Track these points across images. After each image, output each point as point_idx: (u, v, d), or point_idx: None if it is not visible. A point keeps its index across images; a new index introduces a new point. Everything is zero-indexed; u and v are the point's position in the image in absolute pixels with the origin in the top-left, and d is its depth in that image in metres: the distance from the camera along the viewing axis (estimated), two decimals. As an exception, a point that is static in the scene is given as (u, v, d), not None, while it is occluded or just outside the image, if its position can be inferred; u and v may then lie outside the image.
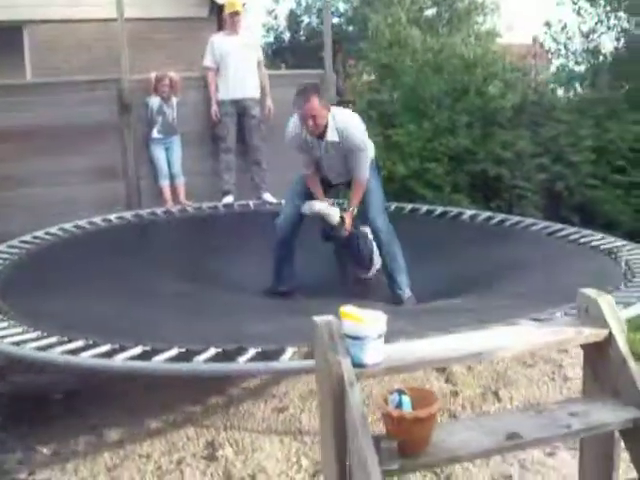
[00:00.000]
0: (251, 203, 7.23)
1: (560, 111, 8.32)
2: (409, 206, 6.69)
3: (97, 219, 6.37)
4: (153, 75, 7.11)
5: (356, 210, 4.90)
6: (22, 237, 5.57)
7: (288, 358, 3.00)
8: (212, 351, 3.12)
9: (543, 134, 8.08)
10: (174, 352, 3.13)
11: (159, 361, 3.03)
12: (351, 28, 17.06)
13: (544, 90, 8.70)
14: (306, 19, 18.26)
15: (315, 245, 5.15)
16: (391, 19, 14.83)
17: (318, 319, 2.31)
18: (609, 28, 10.13)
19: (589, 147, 8.11)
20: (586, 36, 9.93)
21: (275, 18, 18.32)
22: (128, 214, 6.68)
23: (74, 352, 3.19)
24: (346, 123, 4.74)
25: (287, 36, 18.98)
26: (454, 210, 6.40)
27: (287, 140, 4.94)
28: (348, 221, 4.84)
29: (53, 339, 3.39)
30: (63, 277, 4.51)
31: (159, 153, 7.13)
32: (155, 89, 7.09)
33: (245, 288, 5.05)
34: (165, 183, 7.13)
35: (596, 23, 10.21)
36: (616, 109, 8.75)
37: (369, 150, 4.90)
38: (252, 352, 3.08)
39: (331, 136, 4.68)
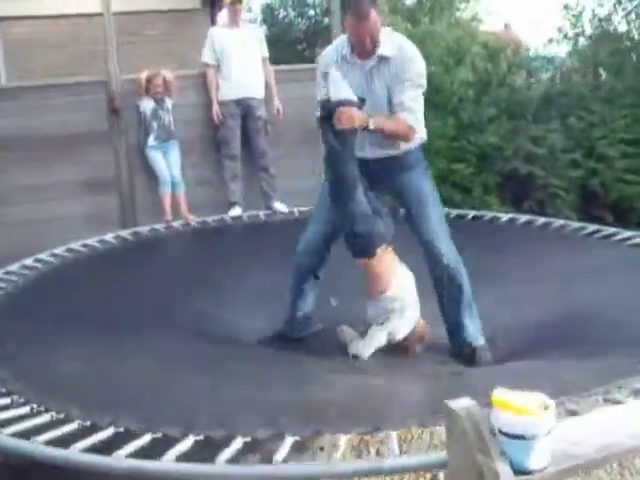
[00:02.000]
0: (261, 214, 6.60)
1: (589, 100, 7.70)
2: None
3: (92, 240, 5.66)
4: (144, 75, 6.41)
5: (372, 123, 3.43)
6: (4, 267, 4.84)
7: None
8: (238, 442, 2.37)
9: (574, 127, 7.46)
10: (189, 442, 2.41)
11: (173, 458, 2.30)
12: (327, 20, 16.52)
13: (569, 78, 8.09)
14: (283, 11, 17.68)
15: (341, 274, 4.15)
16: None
17: (456, 405, 1.68)
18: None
19: (623, 139, 7.51)
20: (605, 20, 9.34)
21: (249, 11, 17.70)
22: (126, 233, 6.00)
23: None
24: (406, 41, 3.63)
25: (263, 30, 18.40)
26: (503, 215, 5.74)
27: (320, 62, 3.79)
28: (358, 115, 3.41)
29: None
30: (51, 322, 3.80)
31: (157, 159, 6.46)
32: (147, 90, 6.40)
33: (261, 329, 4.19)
34: (166, 191, 6.43)
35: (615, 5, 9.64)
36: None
37: (421, 114, 3.63)
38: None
39: (385, 50, 3.52)
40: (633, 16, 9.61)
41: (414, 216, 3.70)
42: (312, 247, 3.92)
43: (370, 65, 3.57)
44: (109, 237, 5.83)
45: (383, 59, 3.53)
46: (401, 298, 3.49)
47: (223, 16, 7.70)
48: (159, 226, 6.22)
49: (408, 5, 16.58)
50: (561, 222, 5.63)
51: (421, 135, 3.70)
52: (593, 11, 9.80)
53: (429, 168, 3.88)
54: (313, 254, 3.93)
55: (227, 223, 6.40)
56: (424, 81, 3.59)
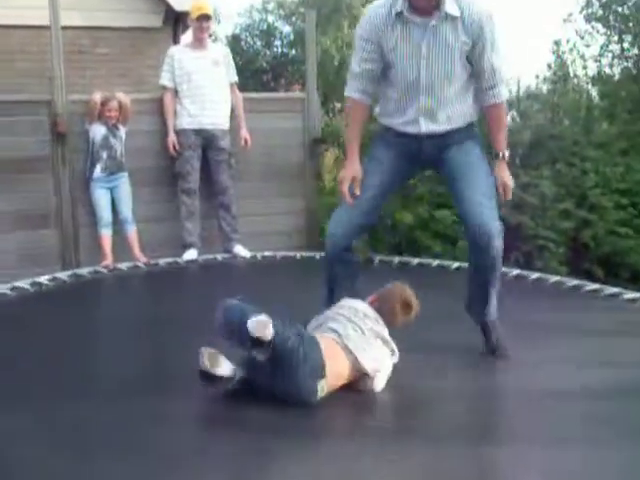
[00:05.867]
0: (220, 258, 6.04)
1: (584, 147, 7.34)
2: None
3: (23, 283, 5.02)
4: (98, 97, 5.82)
5: (507, 154, 3.35)
6: None
7: None
8: None
9: (565, 174, 7.09)
10: None
11: None
12: (294, 51, 16.34)
13: (561, 122, 7.72)
14: (250, 41, 17.48)
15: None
16: (341, 42, 14.38)
17: None
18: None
19: (618, 190, 7.17)
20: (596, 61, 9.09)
21: (214, 40, 17.36)
22: (64, 275, 5.37)
23: None
24: (473, 1, 3.19)
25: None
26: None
27: (364, 23, 3.29)
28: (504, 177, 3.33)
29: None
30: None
31: (100, 195, 5.86)
32: (100, 115, 5.79)
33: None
34: (105, 233, 5.83)
35: (602, 47, 9.42)
36: (636, 144, 7.94)
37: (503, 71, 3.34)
38: None
39: (449, 6, 3.08)
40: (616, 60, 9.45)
41: (458, 183, 3.32)
42: (346, 224, 3.45)
43: (432, 23, 3.12)
44: (44, 279, 5.20)
45: (449, 17, 3.11)
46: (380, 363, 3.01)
47: (187, 37, 7.18)
48: (104, 268, 5.60)
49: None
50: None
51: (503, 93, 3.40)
52: (579, 51, 9.62)
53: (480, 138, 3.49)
54: (348, 233, 3.47)
55: (180, 267, 5.81)
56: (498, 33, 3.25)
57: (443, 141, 3.35)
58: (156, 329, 4.17)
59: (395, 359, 3.08)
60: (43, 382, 3.28)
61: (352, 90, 3.36)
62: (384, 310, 3.13)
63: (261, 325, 2.68)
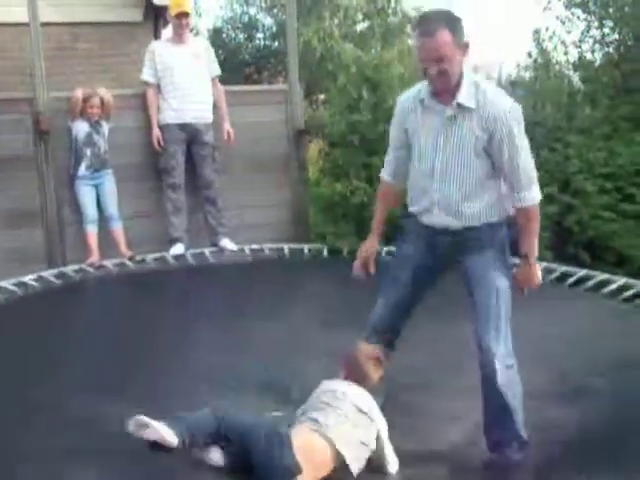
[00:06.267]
0: (207, 252, 6.02)
1: (565, 132, 7.35)
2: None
3: (6, 283, 5.01)
4: (79, 93, 5.79)
5: (534, 257, 3.00)
6: None
7: None
8: None
9: (549, 159, 7.10)
10: None
11: None
12: (277, 44, 16.29)
13: (544, 108, 7.72)
14: (232, 34, 17.41)
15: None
16: (322, 33, 14.31)
17: None
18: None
19: (602, 175, 7.18)
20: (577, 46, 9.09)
21: (196, 34, 17.35)
22: (49, 273, 5.35)
23: None
24: (493, 89, 2.99)
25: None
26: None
27: (397, 106, 3.19)
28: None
29: None
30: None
31: (85, 192, 5.86)
32: (82, 111, 5.76)
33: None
34: (91, 229, 5.82)
35: (582, 33, 9.41)
36: (619, 128, 7.95)
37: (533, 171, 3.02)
38: None
39: (464, 97, 2.93)
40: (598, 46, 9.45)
41: (473, 305, 3.05)
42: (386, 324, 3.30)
43: (448, 113, 2.96)
44: (28, 279, 5.19)
45: (462, 108, 2.93)
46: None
47: (168, 32, 7.15)
48: (89, 266, 5.60)
49: (359, 31, 16.40)
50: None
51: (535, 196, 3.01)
52: (559, 37, 9.60)
53: (507, 245, 3.12)
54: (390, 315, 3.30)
55: (167, 262, 5.81)
56: (523, 130, 2.94)
57: (458, 242, 3.10)
58: (137, 334, 4.17)
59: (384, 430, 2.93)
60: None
61: (385, 172, 3.29)
62: (360, 378, 3.01)
63: (139, 425, 2.60)
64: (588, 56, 9.56)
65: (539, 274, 3.03)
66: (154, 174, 6.14)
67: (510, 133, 2.87)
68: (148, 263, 5.78)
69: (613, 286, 5.17)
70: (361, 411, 2.86)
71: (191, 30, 6.40)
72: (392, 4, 16.13)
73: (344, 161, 6.53)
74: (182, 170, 6.04)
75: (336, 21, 15.27)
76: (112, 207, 5.88)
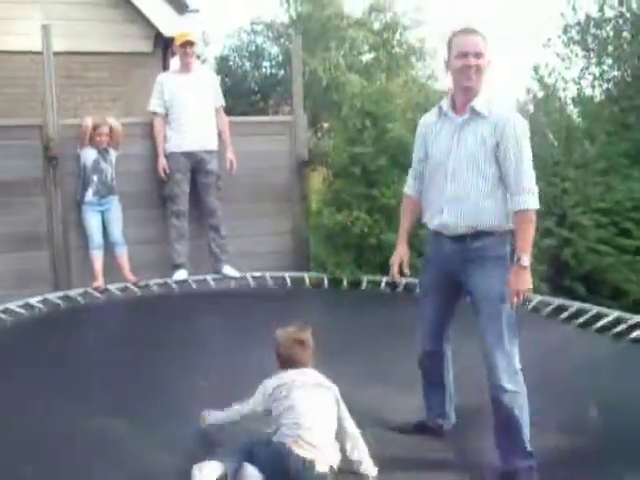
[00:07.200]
0: (209, 278, 6.14)
1: (564, 167, 7.49)
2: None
3: (13, 305, 5.13)
4: (89, 121, 5.96)
5: (527, 260, 3.13)
6: None
7: None
8: None
9: (546, 193, 7.21)
10: None
11: None
12: (282, 72, 16.51)
13: (543, 141, 7.87)
14: (238, 62, 17.65)
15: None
16: (328, 63, 14.51)
17: None
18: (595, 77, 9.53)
19: (598, 209, 7.30)
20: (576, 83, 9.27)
21: (203, 62, 17.61)
22: (54, 296, 5.48)
23: None
24: (504, 104, 3.35)
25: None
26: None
27: (421, 121, 3.53)
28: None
29: None
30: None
31: (91, 218, 6.01)
32: (91, 139, 5.93)
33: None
34: (96, 254, 5.97)
35: (582, 70, 9.60)
36: (616, 164, 8.08)
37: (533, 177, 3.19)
38: None
39: (479, 105, 3.23)
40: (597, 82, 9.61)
41: (479, 321, 3.25)
42: (427, 320, 3.54)
43: (464, 117, 3.26)
44: (34, 301, 5.32)
45: (475, 114, 3.22)
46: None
47: (176, 62, 7.34)
48: (94, 290, 5.73)
49: (365, 62, 16.62)
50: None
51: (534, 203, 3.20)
52: (559, 73, 9.78)
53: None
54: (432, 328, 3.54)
55: (170, 288, 5.94)
56: (528, 140, 3.20)
57: (464, 251, 3.29)
58: (146, 358, 4.28)
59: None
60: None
61: (407, 186, 3.58)
62: (295, 361, 3.17)
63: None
64: (588, 92, 9.75)
65: (530, 279, 3.15)
66: (159, 201, 6.29)
67: (517, 141, 3.14)
68: (150, 288, 5.90)
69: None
70: (320, 385, 3.07)
71: (198, 57, 6.56)
72: (397, 36, 16.41)
73: (345, 192, 6.68)
74: (186, 198, 6.19)
75: (342, 52, 15.53)
76: (117, 232, 6.03)
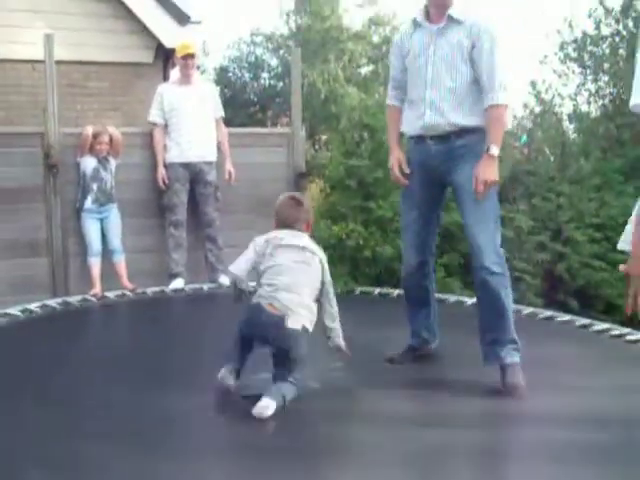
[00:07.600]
0: (206, 288, 6.21)
1: (558, 182, 7.60)
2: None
3: (13, 310, 5.18)
4: (89, 130, 6.03)
5: (496, 151, 3.37)
6: None
7: None
8: None
9: (541, 208, 7.33)
10: None
11: None
12: (281, 84, 16.62)
13: (538, 158, 7.98)
14: (238, 73, 17.76)
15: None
16: (327, 76, 14.66)
17: None
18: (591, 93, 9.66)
19: (592, 225, 7.41)
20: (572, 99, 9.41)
21: (202, 72, 17.73)
22: (53, 302, 5.54)
23: None
24: (475, 13, 3.56)
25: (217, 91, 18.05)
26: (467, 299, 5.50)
27: (397, 35, 3.85)
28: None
29: None
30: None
31: (91, 226, 6.05)
32: (91, 147, 6.00)
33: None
34: (94, 262, 6.02)
35: (578, 86, 9.73)
36: (610, 180, 8.20)
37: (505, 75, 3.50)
38: None
39: (455, 13, 3.50)
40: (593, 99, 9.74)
41: (465, 218, 3.55)
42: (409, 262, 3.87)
43: (440, 26, 3.54)
44: (34, 306, 5.37)
45: (452, 21, 3.51)
46: None
47: (176, 73, 7.44)
48: (92, 296, 5.78)
49: (363, 74, 16.74)
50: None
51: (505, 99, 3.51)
52: (556, 89, 9.91)
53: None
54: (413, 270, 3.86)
55: (167, 296, 5.99)
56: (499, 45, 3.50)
57: (449, 150, 3.55)
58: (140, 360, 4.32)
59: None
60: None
61: (388, 98, 3.86)
62: (289, 222, 3.44)
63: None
64: (584, 108, 9.87)
65: (496, 171, 3.43)
66: (157, 211, 6.36)
67: (491, 42, 3.44)
68: (147, 296, 5.95)
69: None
70: (304, 248, 3.31)
71: (197, 68, 6.65)
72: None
73: (341, 204, 6.75)
74: (184, 208, 6.25)
75: (341, 64, 15.65)
76: (116, 240, 6.08)
